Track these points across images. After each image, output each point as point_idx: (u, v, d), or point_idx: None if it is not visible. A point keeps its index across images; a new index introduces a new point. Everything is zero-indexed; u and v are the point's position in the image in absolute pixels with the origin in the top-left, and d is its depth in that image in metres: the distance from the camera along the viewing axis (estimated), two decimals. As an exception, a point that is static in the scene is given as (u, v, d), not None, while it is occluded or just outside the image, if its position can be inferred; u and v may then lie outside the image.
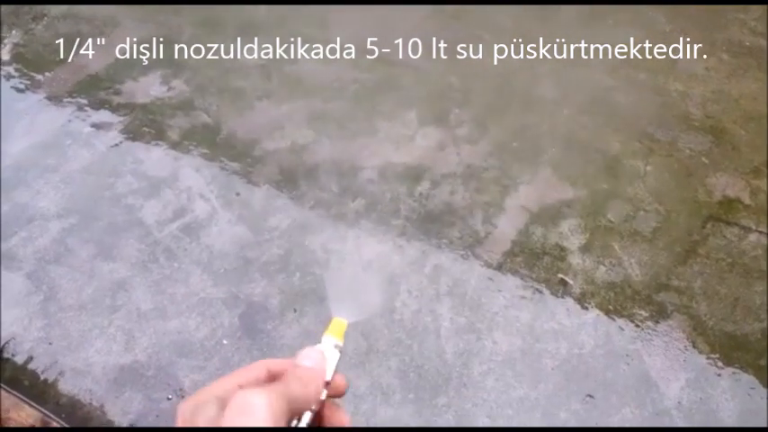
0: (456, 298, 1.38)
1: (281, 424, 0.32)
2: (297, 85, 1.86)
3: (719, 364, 1.30)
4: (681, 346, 1.32)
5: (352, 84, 1.86)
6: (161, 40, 1.99)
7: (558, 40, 2.02)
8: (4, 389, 1.22)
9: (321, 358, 0.39)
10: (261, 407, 0.31)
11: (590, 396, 1.24)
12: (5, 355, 1.29)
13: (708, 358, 1.30)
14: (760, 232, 1.52)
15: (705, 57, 1.98)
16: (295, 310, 1.35)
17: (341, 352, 0.41)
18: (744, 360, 1.30)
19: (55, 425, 1.15)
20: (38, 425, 1.14)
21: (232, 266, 1.42)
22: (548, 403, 1.23)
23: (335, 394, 0.40)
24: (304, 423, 0.37)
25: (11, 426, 1.13)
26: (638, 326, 1.35)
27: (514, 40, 2.02)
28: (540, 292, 1.40)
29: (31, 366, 1.27)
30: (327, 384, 0.39)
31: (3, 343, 1.30)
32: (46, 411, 1.19)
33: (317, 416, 0.39)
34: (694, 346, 1.32)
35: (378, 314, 1.33)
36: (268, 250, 1.46)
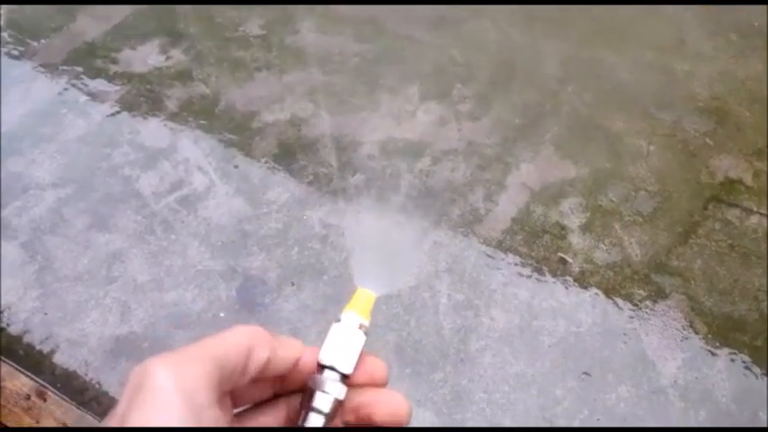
0: (455, 275, 1.37)
1: (207, 407, 0.24)
2: (297, 56, 1.83)
3: (716, 344, 1.30)
4: (678, 325, 1.32)
5: (353, 57, 1.83)
6: (159, 8, 1.95)
7: (562, 17, 1.99)
8: None
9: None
10: (164, 380, 0.24)
11: (586, 374, 1.24)
12: (1, 324, 1.28)
13: (704, 338, 1.31)
14: (761, 214, 1.51)
15: (713, 36, 1.95)
16: (293, 284, 1.35)
17: (367, 335, 0.31)
18: (740, 341, 1.30)
19: (50, 394, 1.15)
20: (33, 394, 1.14)
21: (230, 239, 1.41)
22: (544, 380, 1.23)
23: (369, 386, 0.31)
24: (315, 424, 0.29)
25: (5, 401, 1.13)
26: (636, 305, 1.35)
27: (518, 17, 1.99)
28: (540, 270, 1.39)
29: (26, 336, 1.27)
30: (346, 378, 0.30)
31: (-2, 312, 1.30)
32: (41, 381, 1.18)
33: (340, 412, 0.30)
34: (691, 327, 1.32)
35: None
36: (266, 224, 1.44)
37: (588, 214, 1.49)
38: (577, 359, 1.26)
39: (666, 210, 1.51)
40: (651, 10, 2.03)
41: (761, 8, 2.05)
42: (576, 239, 1.44)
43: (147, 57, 1.80)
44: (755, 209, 1.52)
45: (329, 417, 0.30)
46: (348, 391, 0.31)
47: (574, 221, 1.48)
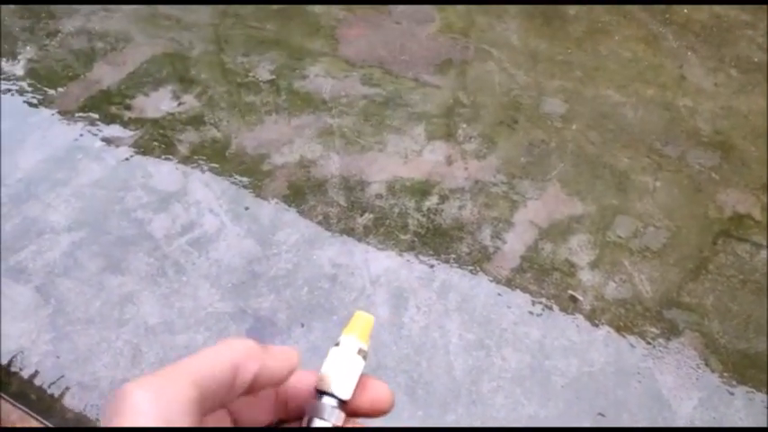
0: (465, 314, 1.37)
1: (189, 423, 0.24)
2: (306, 100, 1.87)
3: (733, 382, 1.28)
4: (693, 364, 1.30)
5: (360, 99, 1.88)
6: (172, 55, 2.01)
7: (565, 57, 2.03)
8: (11, 402, 1.22)
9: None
10: (143, 405, 0.23)
11: (601, 414, 1.22)
12: (13, 368, 1.29)
13: (721, 377, 1.29)
14: (772, 249, 1.50)
15: (714, 72, 1.99)
16: (302, 325, 1.35)
17: (365, 359, 0.30)
18: (758, 379, 1.28)
19: (61, 439, 1.14)
20: (44, 439, 1.14)
21: (240, 280, 1.42)
22: (558, 422, 1.21)
23: (373, 412, 0.30)
24: None
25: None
26: (649, 343, 1.33)
27: (522, 57, 2.04)
28: (550, 308, 1.39)
29: (37, 380, 1.27)
30: (344, 405, 0.29)
31: (10, 357, 1.30)
32: (52, 425, 1.18)
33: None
34: (707, 365, 1.30)
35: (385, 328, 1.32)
36: (276, 264, 1.46)
37: (597, 251, 1.49)
38: (591, 399, 1.24)
39: (676, 245, 1.51)
40: (652, 47, 2.08)
41: (759, 43, 2.08)
42: (585, 276, 1.44)
43: (160, 102, 1.85)
44: (765, 243, 1.51)
45: None
46: (348, 418, 0.30)
47: (583, 258, 1.48)
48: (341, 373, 0.30)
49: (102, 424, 0.24)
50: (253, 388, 0.27)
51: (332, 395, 0.29)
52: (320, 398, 0.29)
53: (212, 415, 0.29)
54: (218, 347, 0.27)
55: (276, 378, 0.28)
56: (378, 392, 0.30)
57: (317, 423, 0.29)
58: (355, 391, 0.30)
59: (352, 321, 0.31)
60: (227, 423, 0.29)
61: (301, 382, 0.31)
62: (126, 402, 0.23)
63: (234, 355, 0.26)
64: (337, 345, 0.31)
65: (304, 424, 0.29)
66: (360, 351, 0.30)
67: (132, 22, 2.14)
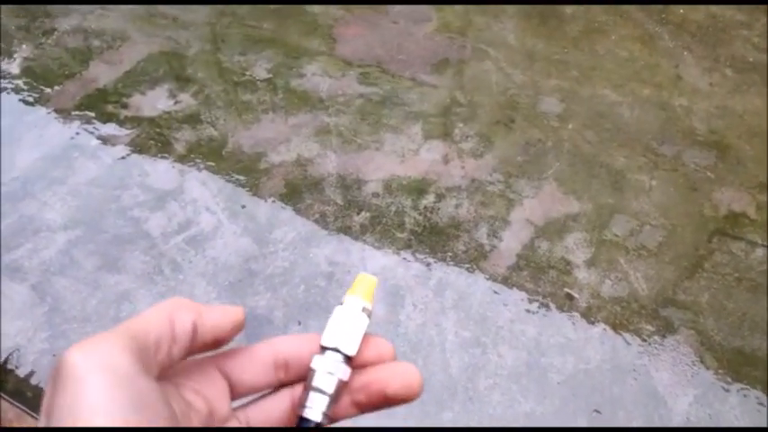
0: (461, 312, 1.37)
1: (133, 376, 0.23)
2: (303, 98, 1.87)
3: (728, 379, 1.28)
4: (688, 361, 1.31)
5: (357, 98, 1.88)
6: (169, 54, 2.01)
7: (561, 56, 2.04)
8: (8, 400, 1.22)
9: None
10: (79, 362, 0.23)
11: (597, 411, 1.23)
12: (9, 366, 1.29)
13: (716, 374, 1.29)
14: (766, 247, 1.51)
15: (709, 72, 2.00)
16: (299, 323, 1.35)
17: (369, 317, 0.31)
18: (752, 376, 1.29)
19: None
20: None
21: (237, 279, 1.42)
22: (554, 419, 1.21)
23: (379, 362, 0.30)
24: (316, 413, 0.28)
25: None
26: (644, 340, 1.34)
27: (519, 57, 2.04)
28: (546, 306, 1.39)
29: (34, 379, 1.27)
30: (350, 360, 0.29)
31: (6, 355, 1.30)
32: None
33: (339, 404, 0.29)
34: (702, 362, 1.31)
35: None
36: (273, 263, 1.46)
37: (593, 249, 1.50)
38: (587, 396, 1.24)
39: (671, 244, 1.52)
40: (648, 47, 2.09)
41: (755, 43, 2.09)
42: (581, 274, 1.45)
43: (156, 101, 1.85)
44: (760, 242, 1.52)
45: (333, 398, 0.29)
46: (355, 372, 0.30)
47: (579, 257, 1.48)
48: (346, 329, 0.30)
49: (47, 392, 0.23)
50: (198, 341, 0.27)
51: (337, 350, 0.29)
52: (325, 353, 0.30)
53: (199, 376, 0.29)
54: (154, 306, 0.27)
55: (220, 331, 0.28)
56: (382, 347, 0.31)
57: (323, 377, 0.29)
58: (360, 347, 0.30)
59: (356, 283, 0.31)
60: (222, 387, 0.30)
61: (303, 344, 0.31)
62: (63, 364, 0.23)
63: (166, 308, 0.27)
64: (341, 304, 0.31)
65: (308, 381, 0.29)
66: (364, 309, 0.31)
67: (129, 21, 2.14)
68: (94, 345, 0.24)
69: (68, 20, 2.14)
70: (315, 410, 0.29)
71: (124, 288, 1.41)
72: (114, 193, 1.60)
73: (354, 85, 1.92)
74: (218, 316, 0.29)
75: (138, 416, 0.22)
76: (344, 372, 0.29)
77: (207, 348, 0.29)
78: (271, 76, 1.95)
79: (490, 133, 1.78)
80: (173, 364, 0.27)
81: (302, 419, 0.29)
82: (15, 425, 1.14)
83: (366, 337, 0.30)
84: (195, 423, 0.28)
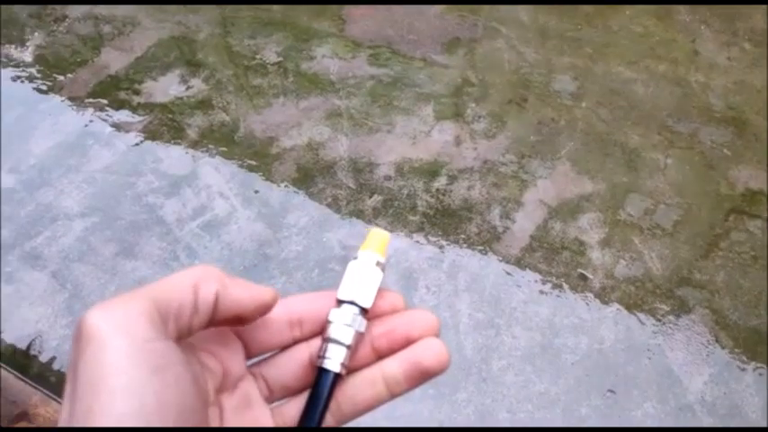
0: (474, 294, 1.38)
1: (149, 340, 0.23)
2: (313, 82, 1.87)
3: (743, 358, 1.28)
4: (703, 340, 1.31)
5: (368, 80, 1.87)
6: (179, 39, 2.01)
7: (575, 33, 2.00)
8: (32, 385, 1.25)
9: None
10: (99, 323, 0.23)
11: (611, 391, 1.23)
12: (32, 352, 1.32)
13: (731, 353, 1.29)
14: (784, 225, 1.49)
15: (727, 47, 1.95)
16: (314, 307, 1.36)
17: (383, 271, 0.31)
18: (768, 355, 1.28)
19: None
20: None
21: (252, 263, 1.44)
22: (568, 398, 1.22)
23: (394, 312, 0.31)
24: (335, 363, 0.29)
25: (38, 423, 1.16)
26: (659, 320, 1.33)
27: (531, 34, 2.01)
28: (560, 287, 1.39)
29: (56, 364, 1.30)
30: (366, 313, 0.30)
31: (29, 341, 1.33)
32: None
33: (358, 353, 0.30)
34: (717, 341, 1.31)
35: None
36: (287, 247, 1.47)
37: (607, 229, 1.49)
38: (601, 376, 1.25)
39: (687, 222, 1.50)
40: (664, 22, 2.04)
41: (775, 17, 2.04)
42: (595, 255, 1.44)
43: (168, 87, 1.85)
44: (778, 219, 1.50)
45: (350, 349, 0.29)
46: (373, 322, 0.30)
47: (593, 237, 1.48)
48: (361, 283, 0.30)
49: (71, 353, 0.24)
50: (220, 313, 0.27)
51: (354, 303, 0.30)
52: (341, 307, 0.30)
53: (213, 337, 0.29)
54: (180, 272, 0.27)
55: (243, 307, 0.28)
56: (395, 299, 0.31)
57: (341, 329, 0.29)
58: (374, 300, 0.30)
59: (369, 238, 0.32)
60: (235, 347, 0.30)
61: (316, 301, 0.31)
62: (84, 325, 0.24)
63: (193, 275, 0.27)
64: (355, 259, 0.31)
65: (325, 334, 0.30)
66: (378, 264, 0.31)
67: (138, 7, 2.13)
68: (113, 308, 0.24)
69: (79, 7, 2.14)
70: (333, 361, 0.29)
71: (141, 274, 1.43)
72: (129, 179, 1.62)
73: (365, 67, 1.91)
74: (243, 292, 0.28)
75: (157, 377, 0.23)
76: (361, 324, 0.30)
77: (228, 324, 0.28)
78: (281, 59, 1.94)
79: (502, 113, 1.77)
80: (192, 333, 0.26)
81: (321, 370, 0.29)
82: (41, 409, 1.18)
83: (380, 291, 0.31)
84: (210, 384, 0.28)
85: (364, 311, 0.30)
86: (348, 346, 0.29)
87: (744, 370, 1.26)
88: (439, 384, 1.24)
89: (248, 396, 0.29)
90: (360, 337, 0.30)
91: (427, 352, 0.30)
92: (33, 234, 1.51)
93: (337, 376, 0.29)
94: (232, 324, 0.29)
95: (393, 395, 0.31)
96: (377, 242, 0.32)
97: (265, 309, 0.29)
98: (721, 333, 1.31)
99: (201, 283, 0.26)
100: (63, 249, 1.48)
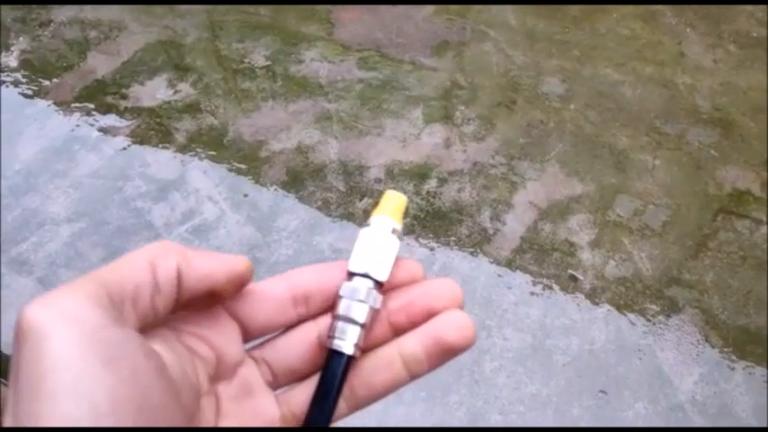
0: (465, 296, 1.37)
1: (102, 327, 0.20)
2: (302, 85, 1.86)
3: (733, 357, 1.29)
4: (693, 340, 1.31)
5: (357, 83, 1.87)
6: (166, 43, 2.00)
7: (562, 36, 2.02)
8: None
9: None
10: (38, 314, 0.20)
11: (602, 392, 1.23)
12: (18, 359, 1.30)
13: (721, 352, 1.30)
14: (771, 224, 1.50)
15: (713, 49, 1.97)
16: (305, 310, 1.36)
17: (400, 240, 0.28)
18: (757, 353, 1.29)
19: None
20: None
21: (241, 268, 1.43)
22: (559, 400, 1.22)
23: (413, 283, 0.28)
24: (348, 344, 0.26)
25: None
26: (649, 320, 1.34)
27: (519, 37, 2.02)
28: (550, 288, 1.39)
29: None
30: (381, 287, 0.27)
31: (15, 347, 1.31)
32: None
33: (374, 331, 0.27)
34: (707, 341, 1.31)
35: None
36: (277, 251, 1.46)
37: (597, 230, 1.50)
38: (593, 377, 1.25)
39: (675, 223, 1.51)
40: (650, 25, 2.06)
41: (758, 18, 2.06)
42: (585, 256, 1.45)
43: (155, 91, 1.84)
44: (765, 219, 1.51)
45: (365, 328, 0.26)
46: (389, 294, 0.27)
47: (583, 238, 1.48)
48: (376, 253, 0.27)
49: (13, 353, 0.21)
50: (187, 290, 0.24)
51: (368, 276, 0.26)
52: (354, 280, 0.27)
53: (203, 320, 0.26)
54: (134, 250, 0.24)
55: (213, 280, 0.24)
56: (414, 269, 0.28)
57: (354, 305, 0.26)
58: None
59: (383, 201, 0.28)
60: (231, 329, 0.27)
61: (323, 273, 0.28)
62: (23, 319, 0.21)
63: (148, 252, 0.24)
64: (368, 226, 0.28)
65: (336, 311, 0.26)
66: (394, 231, 0.28)
67: (125, 10, 2.12)
68: (56, 296, 0.21)
69: (64, 10, 2.12)
70: (346, 342, 0.26)
71: (129, 279, 1.41)
72: (116, 184, 1.60)
73: (354, 70, 1.91)
74: (209, 263, 0.24)
75: (107, 369, 0.20)
76: (376, 299, 0.26)
77: (204, 303, 0.25)
78: (269, 62, 1.93)
79: (491, 115, 1.77)
80: (159, 316, 0.23)
81: (332, 352, 0.26)
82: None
83: (396, 261, 0.27)
84: (201, 371, 0.25)
85: (379, 285, 0.26)
86: (362, 325, 0.26)
87: (733, 369, 1.27)
88: (431, 387, 1.23)
89: (249, 383, 0.26)
90: (375, 313, 0.26)
91: (449, 326, 0.26)
92: (20, 240, 1.49)
93: (350, 359, 0.26)
94: (208, 303, 0.26)
95: (413, 376, 0.27)
96: (392, 206, 0.28)
97: (240, 280, 0.26)
98: (711, 332, 1.32)
99: (159, 258, 0.23)
100: (50, 255, 1.46)
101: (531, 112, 1.78)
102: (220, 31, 2.04)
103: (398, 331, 0.27)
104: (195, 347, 0.25)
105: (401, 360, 0.27)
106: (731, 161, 1.65)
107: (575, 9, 2.13)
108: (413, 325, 0.27)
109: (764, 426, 1.20)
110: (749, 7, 2.12)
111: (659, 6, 2.13)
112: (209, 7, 2.14)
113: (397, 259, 0.28)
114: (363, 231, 0.27)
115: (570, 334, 1.31)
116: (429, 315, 0.27)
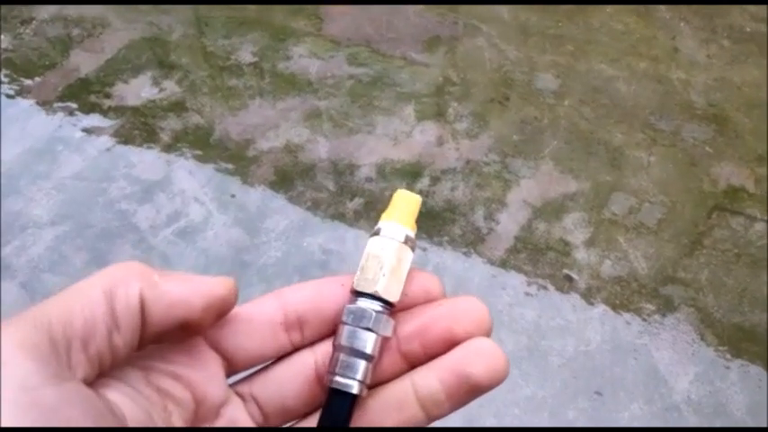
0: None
1: (42, 385, 0.16)
2: (291, 82, 1.83)
3: (728, 356, 1.27)
4: (689, 339, 1.30)
5: (347, 80, 1.83)
6: (151, 40, 1.95)
7: (556, 31, 1.99)
8: None
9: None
10: None
11: (598, 393, 1.22)
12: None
13: (716, 351, 1.28)
14: (765, 221, 1.49)
15: (707, 44, 1.95)
16: (295, 314, 1.33)
17: (413, 249, 0.23)
18: (752, 351, 1.28)
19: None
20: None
21: (229, 270, 1.40)
22: (555, 402, 1.20)
23: (429, 300, 0.23)
24: (353, 382, 0.21)
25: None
26: (645, 320, 1.32)
27: (512, 32, 1.99)
28: (545, 288, 1.37)
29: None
30: (392, 307, 0.22)
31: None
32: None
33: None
34: (702, 339, 1.30)
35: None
36: (265, 253, 1.43)
37: (592, 229, 1.48)
38: (588, 378, 1.23)
39: (671, 221, 1.49)
40: (644, 19, 2.04)
41: (752, 12, 2.05)
42: (580, 255, 1.43)
43: (140, 89, 1.80)
44: (759, 216, 1.50)
45: (372, 361, 0.21)
46: (400, 317, 0.22)
47: (578, 237, 1.46)
48: (385, 267, 0.22)
49: None
50: (154, 323, 0.20)
51: (376, 297, 0.22)
52: (358, 302, 0.22)
53: (178, 355, 0.21)
54: (89, 277, 0.20)
55: (187, 308, 0.20)
56: (429, 283, 0.24)
57: (359, 334, 0.21)
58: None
59: (394, 203, 0.24)
60: (212, 364, 0.22)
61: (321, 291, 0.23)
62: None
63: (105, 277, 0.20)
64: (376, 234, 0.23)
65: (337, 340, 0.22)
66: (407, 239, 0.23)
67: (109, 7, 2.07)
68: None
69: (46, 8, 2.07)
70: (351, 379, 0.21)
71: (115, 283, 1.38)
72: (101, 185, 1.56)
73: (344, 67, 1.87)
74: (182, 288, 0.20)
75: None
76: (386, 325, 0.22)
77: (175, 337, 0.21)
78: (257, 59, 1.89)
79: (485, 112, 1.75)
80: (120, 357, 0.19)
81: (333, 392, 0.21)
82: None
83: (410, 274, 0.23)
84: (176, 417, 0.21)
85: (390, 307, 0.22)
86: (370, 358, 0.21)
87: (728, 368, 1.26)
88: (424, 391, 1.21)
89: (235, 425, 0.22)
90: (385, 342, 0.22)
91: (475, 358, 0.22)
92: (2, 243, 1.45)
93: (355, 398, 0.21)
94: (181, 336, 0.21)
95: (432, 417, 0.23)
96: (405, 209, 0.23)
97: (220, 306, 0.21)
98: (706, 331, 1.31)
99: (117, 286, 0.19)
100: (32, 259, 1.42)
101: (525, 109, 1.76)
102: (206, 28, 2.00)
103: (412, 362, 0.23)
104: (168, 389, 0.21)
105: (416, 399, 0.22)
106: (726, 157, 1.63)
107: (568, 2, 2.11)
108: (429, 355, 0.23)
109: (760, 425, 1.19)
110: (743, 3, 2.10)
111: (653, 3, 2.11)
112: (195, 2, 2.10)
113: (412, 270, 0.23)
114: (372, 241, 0.23)
115: (565, 335, 1.29)
116: (449, 343, 0.22)
